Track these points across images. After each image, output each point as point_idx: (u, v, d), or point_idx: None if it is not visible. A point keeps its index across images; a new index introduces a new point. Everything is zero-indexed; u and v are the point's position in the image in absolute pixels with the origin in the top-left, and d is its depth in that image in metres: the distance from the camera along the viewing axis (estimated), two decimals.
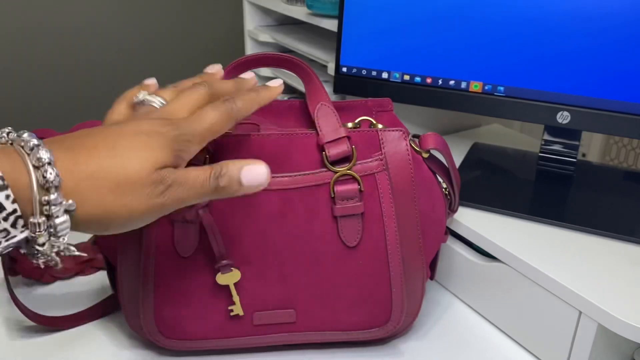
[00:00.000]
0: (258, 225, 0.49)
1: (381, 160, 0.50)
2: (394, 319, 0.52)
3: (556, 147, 0.69)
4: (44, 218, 0.32)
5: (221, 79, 0.46)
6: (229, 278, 0.49)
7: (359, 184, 0.49)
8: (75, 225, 0.33)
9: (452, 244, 0.63)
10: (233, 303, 0.50)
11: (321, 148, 0.50)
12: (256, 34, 1.19)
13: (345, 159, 0.50)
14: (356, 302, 0.51)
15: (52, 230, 0.32)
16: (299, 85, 1.04)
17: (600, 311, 0.48)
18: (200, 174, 0.37)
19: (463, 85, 0.67)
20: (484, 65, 0.65)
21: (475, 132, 0.90)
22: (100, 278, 0.65)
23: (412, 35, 0.67)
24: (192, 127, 0.38)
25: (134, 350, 0.55)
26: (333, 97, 0.84)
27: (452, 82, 0.67)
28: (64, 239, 0.33)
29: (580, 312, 0.50)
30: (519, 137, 0.87)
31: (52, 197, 0.31)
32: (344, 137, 0.50)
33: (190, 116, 0.39)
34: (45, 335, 0.57)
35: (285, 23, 1.25)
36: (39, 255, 0.33)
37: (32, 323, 0.57)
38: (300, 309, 0.51)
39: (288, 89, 1.21)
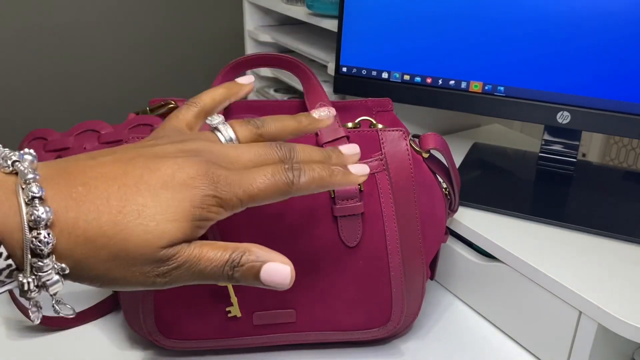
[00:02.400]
0: (258, 225, 0.49)
1: (381, 160, 0.50)
2: (394, 319, 0.52)
3: (556, 147, 0.69)
4: (33, 277, 0.29)
5: (312, 148, 0.38)
6: None
7: (359, 184, 0.49)
8: (69, 279, 0.31)
9: (452, 244, 0.63)
10: (232, 304, 0.50)
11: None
12: (256, 34, 1.19)
13: None
14: (356, 302, 0.51)
15: (42, 287, 0.30)
16: (299, 85, 1.04)
17: (600, 311, 0.48)
18: (215, 260, 0.32)
19: (463, 85, 0.67)
20: (484, 65, 0.65)
21: (475, 132, 0.90)
22: None
23: (412, 35, 0.67)
24: (239, 187, 0.33)
25: (134, 351, 0.55)
26: (333, 97, 0.84)
27: (452, 82, 0.67)
28: (55, 293, 0.31)
29: (580, 312, 0.50)
30: (519, 137, 0.87)
31: (44, 262, 0.29)
32: (343, 137, 0.50)
33: (242, 174, 0.33)
34: (45, 335, 0.57)
35: (285, 23, 1.25)
36: (32, 301, 0.31)
37: (32, 323, 0.57)
38: (300, 309, 0.51)
39: (288, 88, 1.21)
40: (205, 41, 2.09)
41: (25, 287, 0.30)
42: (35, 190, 0.29)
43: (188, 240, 0.32)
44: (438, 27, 0.66)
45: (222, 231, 0.49)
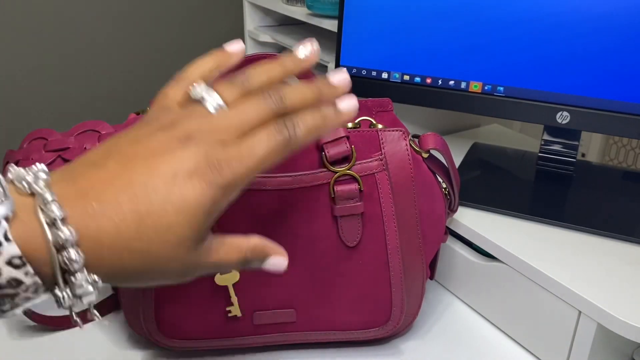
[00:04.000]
0: (258, 225, 0.49)
1: (381, 160, 0.50)
2: (394, 319, 0.52)
3: (556, 147, 0.69)
4: (68, 290, 0.31)
5: (302, 89, 0.37)
6: (227, 279, 0.49)
7: (358, 184, 0.49)
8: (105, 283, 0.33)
9: (452, 244, 0.63)
10: (232, 304, 0.50)
11: (320, 148, 0.50)
12: (256, 34, 1.19)
13: (344, 159, 0.50)
14: (356, 302, 0.51)
15: (77, 297, 0.31)
16: None
17: (600, 311, 0.48)
18: (234, 260, 0.36)
19: (463, 85, 0.67)
20: (484, 66, 0.65)
21: (475, 132, 0.90)
22: None
23: (412, 36, 0.67)
24: (236, 163, 0.33)
25: (134, 350, 0.55)
26: None
27: (452, 82, 0.67)
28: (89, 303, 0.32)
29: (580, 312, 0.50)
30: (518, 137, 0.87)
31: (76, 277, 0.30)
32: (343, 137, 0.50)
33: (240, 147, 0.33)
34: (45, 335, 0.57)
35: (285, 23, 1.25)
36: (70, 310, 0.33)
37: (32, 323, 0.57)
38: (300, 309, 0.51)
39: None
40: (205, 41, 2.09)
41: (61, 301, 0.31)
42: (57, 212, 0.29)
43: (204, 236, 0.33)
44: (438, 27, 0.66)
45: (221, 231, 0.49)
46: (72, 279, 0.30)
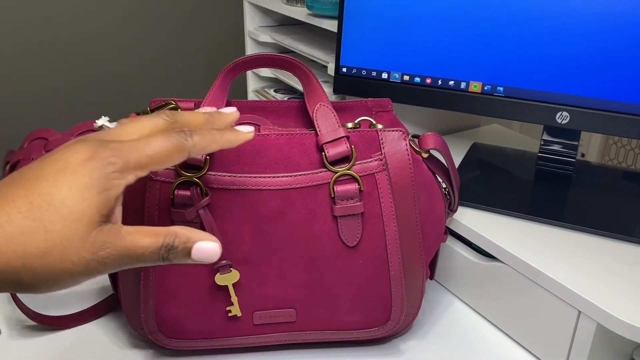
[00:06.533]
0: (258, 225, 0.49)
1: (381, 160, 0.50)
2: (394, 319, 0.52)
3: (555, 147, 0.69)
4: None
5: (193, 112, 0.41)
6: (227, 278, 0.49)
7: (358, 184, 0.50)
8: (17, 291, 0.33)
9: (452, 244, 0.63)
10: (232, 303, 0.50)
11: (320, 148, 0.50)
12: (256, 34, 1.19)
13: (344, 159, 0.50)
14: (356, 302, 0.51)
15: None
16: (299, 85, 1.04)
17: (600, 311, 0.48)
18: (150, 246, 0.34)
19: (463, 85, 0.67)
20: (484, 66, 0.65)
21: (474, 132, 0.90)
22: (100, 278, 0.65)
23: (412, 36, 0.67)
24: (133, 151, 0.34)
25: (134, 350, 0.55)
26: (333, 98, 0.84)
27: (451, 82, 0.67)
28: None
29: (580, 312, 0.50)
30: (518, 137, 0.87)
31: None
32: (343, 137, 0.50)
33: (137, 141, 0.35)
34: (45, 335, 0.57)
35: (285, 23, 1.25)
36: None
37: (33, 322, 0.58)
38: (300, 309, 0.51)
39: (288, 89, 1.21)
40: (206, 41, 2.09)
41: None
42: None
43: (105, 215, 0.33)
44: (437, 27, 0.66)
45: (222, 231, 0.49)
46: None
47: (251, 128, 0.42)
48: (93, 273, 0.33)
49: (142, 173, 0.35)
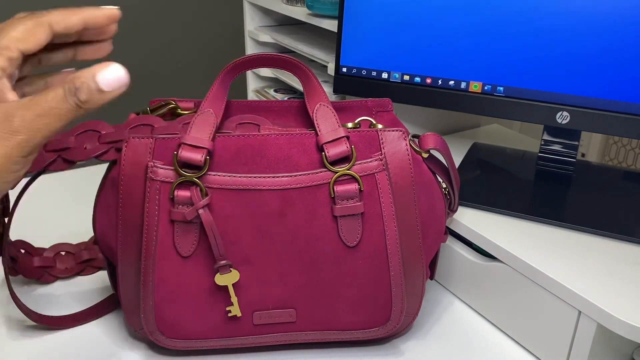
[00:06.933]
0: (258, 225, 0.49)
1: (381, 160, 0.50)
2: (394, 319, 0.52)
3: (555, 147, 0.69)
4: None
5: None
6: (227, 279, 0.49)
7: (358, 184, 0.49)
8: None
9: (452, 244, 0.63)
10: (232, 303, 0.50)
11: (320, 148, 0.50)
12: (256, 34, 1.19)
13: (344, 159, 0.50)
14: (356, 302, 0.51)
15: None
16: (299, 85, 1.04)
17: (600, 311, 0.48)
18: (55, 98, 0.35)
19: (463, 85, 0.67)
20: (484, 66, 0.65)
21: (474, 132, 0.90)
22: (100, 278, 0.65)
23: (412, 36, 0.67)
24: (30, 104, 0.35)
25: (134, 350, 0.55)
26: (333, 98, 0.84)
27: (451, 82, 0.67)
28: None
29: (580, 312, 0.50)
30: (518, 137, 0.87)
31: None
32: (343, 137, 0.50)
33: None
34: (45, 335, 0.57)
35: (285, 23, 1.25)
36: None
37: (32, 323, 0.57)
38: (300, 309, 0.51)
39: (288, 89, 1.21)
40: (206, 41, 2.09)
41: None
42: None
43: None
44: (438, 27, 0.66)
45: (222, 231, 0.49)
46: None
47: (115, 10, 0.42)
48: (25, 148, 0.35)
49: (9, 53, 0.37)
